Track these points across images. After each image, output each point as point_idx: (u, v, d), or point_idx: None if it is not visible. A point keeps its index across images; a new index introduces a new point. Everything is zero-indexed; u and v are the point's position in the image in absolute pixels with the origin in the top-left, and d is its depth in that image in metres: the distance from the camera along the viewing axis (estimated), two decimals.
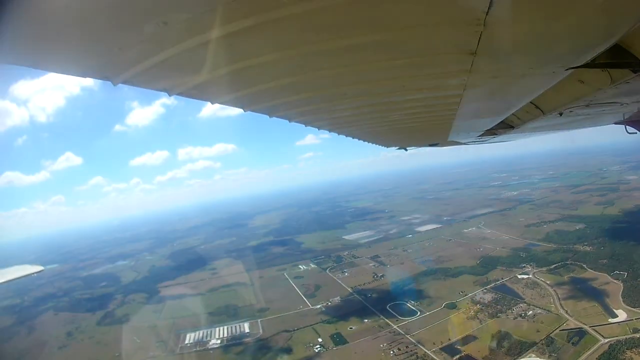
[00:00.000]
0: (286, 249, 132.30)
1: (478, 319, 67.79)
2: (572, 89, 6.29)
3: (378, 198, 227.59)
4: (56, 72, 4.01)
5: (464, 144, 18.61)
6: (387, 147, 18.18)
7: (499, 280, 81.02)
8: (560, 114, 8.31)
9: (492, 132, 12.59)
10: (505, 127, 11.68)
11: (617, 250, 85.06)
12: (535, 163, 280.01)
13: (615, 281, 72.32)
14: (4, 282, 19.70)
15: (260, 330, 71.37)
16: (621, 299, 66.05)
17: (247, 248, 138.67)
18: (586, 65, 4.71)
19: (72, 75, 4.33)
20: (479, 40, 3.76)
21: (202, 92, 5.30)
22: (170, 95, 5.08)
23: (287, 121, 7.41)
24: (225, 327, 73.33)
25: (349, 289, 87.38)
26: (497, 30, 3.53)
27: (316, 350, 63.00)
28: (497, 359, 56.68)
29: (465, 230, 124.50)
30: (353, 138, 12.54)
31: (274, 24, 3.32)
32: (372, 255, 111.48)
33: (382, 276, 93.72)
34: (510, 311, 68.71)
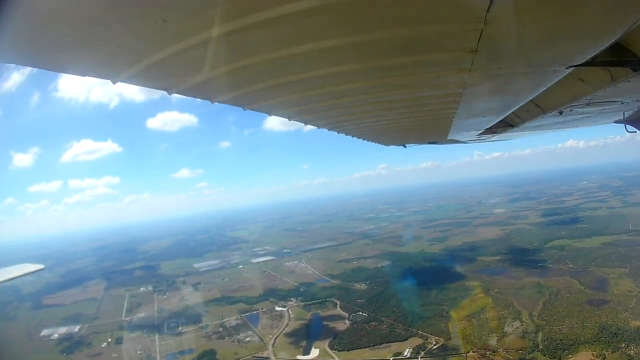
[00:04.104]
0: (144, 273, 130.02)
1: (210, 338, 73.88)
2: (572, 87, 6.18)
3: (257, 228, 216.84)
4: (56, 71, 3.76)
5: (464, 142, 18.32)
6: (387, 145, 17.53)
7: (256, 311, 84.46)
8: (561, 113, 8.00)
9: (492, 130, 12.24)
10: (505, 125, 11.32)
11: (388, 291, 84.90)
12: (432, 194, 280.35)
13: (347, 322, 73.25)
14: (5, 281, 18.74)
15: (83, 331, 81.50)
16: (330, 339, 67.18)
17: (119, 271, 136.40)
18: (587, 64, 4.54)
19: (71, 74, 4.02)
20: (479, 38, 3.48)
21: (201, 91, 5.01)
22: (169, 94, 4.75)
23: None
24: (65, 327, 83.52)
25: (155, 308, 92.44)
26: (498, 28, 3.28)
27: (102, 346, 74.45)
28: None
29: (287, 264, 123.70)
30: (352, 136, 11.78)
31: (273, 22, 3.08)
32: (196, 282, 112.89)
33: (185, 299, 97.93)
34: (236, 336, 73.09)
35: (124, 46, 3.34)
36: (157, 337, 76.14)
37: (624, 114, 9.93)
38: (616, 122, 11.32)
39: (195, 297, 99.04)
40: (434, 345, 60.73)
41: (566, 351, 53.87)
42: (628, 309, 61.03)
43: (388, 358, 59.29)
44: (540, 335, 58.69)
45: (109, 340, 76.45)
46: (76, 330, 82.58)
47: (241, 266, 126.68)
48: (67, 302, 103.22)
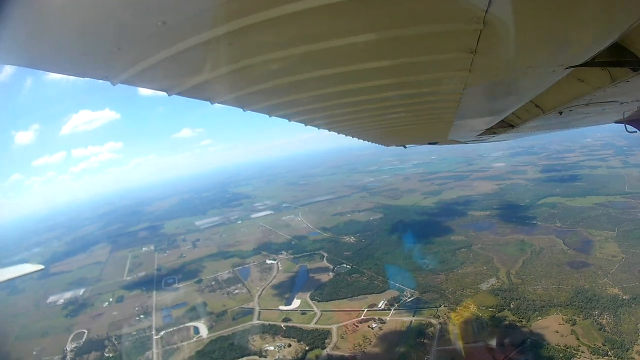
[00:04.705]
0: (148, 234, 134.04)
1: (203, 292, 78.99)
2: (572, 87, 6.07)
3: (261, 183, 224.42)
4: (55, 72, 3.65)
5: (464, 142, 18.20)
6: (387, 145, 17.66)
7: (248, 264, 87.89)
8: (560, 113, 7.84)
9: (492, 131, 12.04)
10: (505, 126, 11.14)
11: (375, 244, 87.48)
12: (435, 147, 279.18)
13: (331, 274, 76.39)
14: (5, 281, 19.08)
15: (87, 294, 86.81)
16: (311, 291, 70.00)
17: (124, 233, 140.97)
18: (586, 64, 4.48)
19: (70, 75, 3.95)
20: (478, 39, 3.45)
21: (201, 92, 4.90)
22: (169, 95, 4.63)
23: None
24: (70, 292, 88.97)
25: (155, 266, 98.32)
26: (497, 29, 3.25)
27: (104, 305, 79.25)
28: (184, 320, 67.65)
29: (284, 218, 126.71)
30: (352, 137, 11.91)
31: (273, 23, 3.08)
32: (195, 239, 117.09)
33: (183, 256, 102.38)
34: (227, 288, 78.18)
35: (123, 48, 3.30)
36: (154, 293, 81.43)
37: (623, 113, 9.60)
38: (616, 122, 11.12)
39: (193, 253, 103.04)
40: (409, 298, 62.17)
41: (536, 312, 53.44)
42: (608, 274, 60.06)
43: (362, 309, 60.88)
44: (513, 294, 58.53)
45: (110, 300, 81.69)
46: (80, 293, 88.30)
47: (240, 222, 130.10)
48: (73, 268, 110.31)
